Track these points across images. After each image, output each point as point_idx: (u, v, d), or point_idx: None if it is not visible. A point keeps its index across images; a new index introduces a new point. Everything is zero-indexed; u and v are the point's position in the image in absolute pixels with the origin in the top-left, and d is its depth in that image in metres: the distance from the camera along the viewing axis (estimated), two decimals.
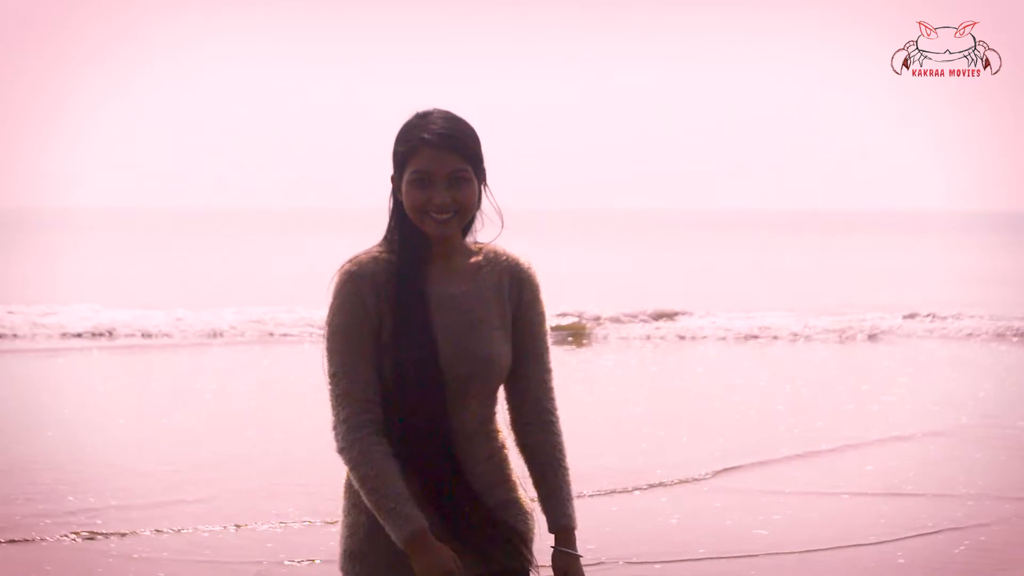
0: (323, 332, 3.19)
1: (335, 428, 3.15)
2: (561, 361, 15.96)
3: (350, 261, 3.21)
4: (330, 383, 3.17)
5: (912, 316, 21.83)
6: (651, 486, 8.80)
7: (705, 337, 19.54)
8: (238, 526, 7.82)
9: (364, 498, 3.14)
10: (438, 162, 3.20)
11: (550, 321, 3.36)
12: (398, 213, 3.25)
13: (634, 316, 20.62)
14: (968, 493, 8.80)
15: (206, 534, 7.69)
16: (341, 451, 3.15)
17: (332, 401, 3.16)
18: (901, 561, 7.28)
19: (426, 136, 3.20)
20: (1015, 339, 19.86)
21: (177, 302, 22.37)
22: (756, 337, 19.52)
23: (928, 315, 21.53)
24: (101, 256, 45.32)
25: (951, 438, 10.90)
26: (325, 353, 3.18)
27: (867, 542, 7.62)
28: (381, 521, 3.12)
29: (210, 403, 12.70)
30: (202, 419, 11.70)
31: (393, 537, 3.11)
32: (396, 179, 3.25)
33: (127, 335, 18.75)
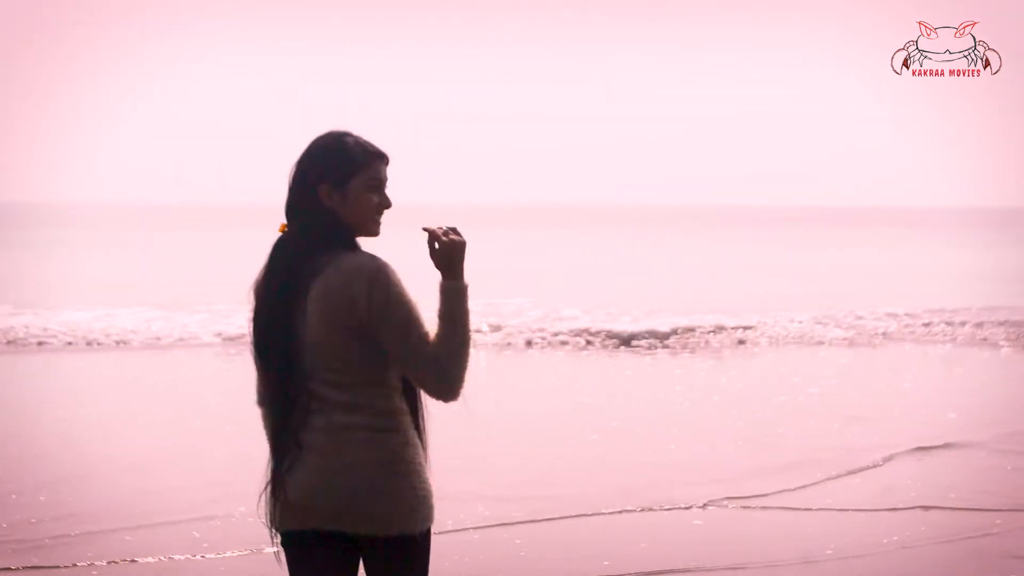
0: (401, 298, 3.54)
1: (454, 373, 3.54)
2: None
3: (379, 258, 3.62)
4: (421, 340, 3.53)
5: (912, 316, 21.76)
6: (644, 509, 8.61)
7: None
8: (218, 555, 7.48)
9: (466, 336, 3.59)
10: (384, 173, 3.74)
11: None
12: (336, 219, 3.65)
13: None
14: (971, 504, 8.71)
15: (177, 562, 7.40)
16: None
17: (428, 354, 3.53)
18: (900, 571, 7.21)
19: (374, 151, 3.72)
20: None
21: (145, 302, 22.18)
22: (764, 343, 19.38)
23: (937, 322, 21.33)
24: (92, 254, 45.12)
25: (943, 451, 10.77)
26: (409, 313, 3.54)
27: (863, 553, 7.53)
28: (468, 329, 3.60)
29: (175, 416, 12.24)
30: (168, 435, 11.21)
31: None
32: (334, 189, 3.66)
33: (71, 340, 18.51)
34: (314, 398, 3.60)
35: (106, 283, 30.01)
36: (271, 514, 3.68)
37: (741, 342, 19.14)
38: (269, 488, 3.67)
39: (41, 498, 8.67)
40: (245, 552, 7.40)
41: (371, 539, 3.61)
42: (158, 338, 18.70)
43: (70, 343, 18.06)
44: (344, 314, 3.54)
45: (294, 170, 3.69)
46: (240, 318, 19.56)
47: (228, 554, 7.41)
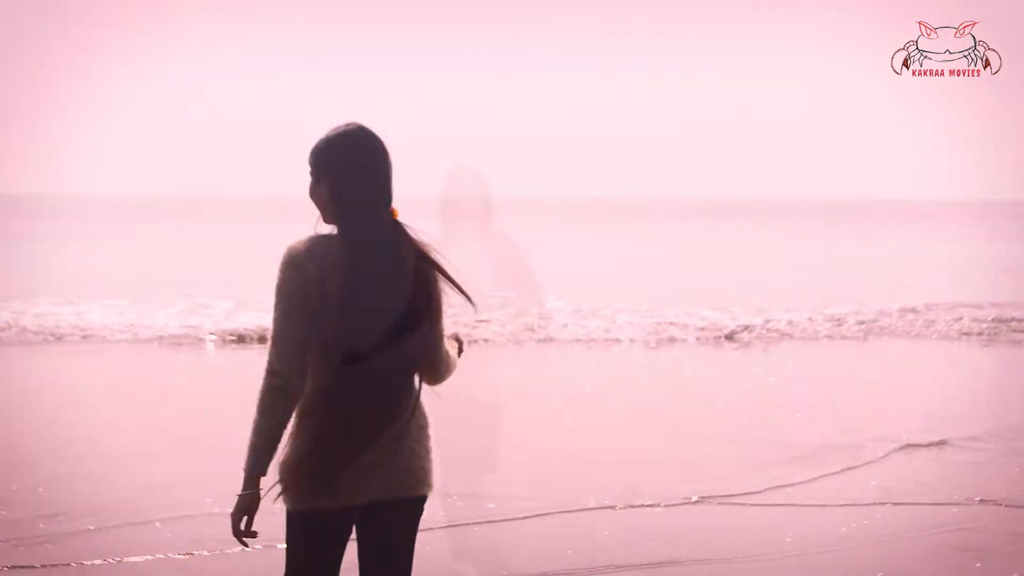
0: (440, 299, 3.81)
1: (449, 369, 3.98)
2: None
3: None
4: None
5: (908, 310, 21.74)
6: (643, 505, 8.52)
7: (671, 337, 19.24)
8: (190, 554, 7.29)
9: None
10: None
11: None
12: None
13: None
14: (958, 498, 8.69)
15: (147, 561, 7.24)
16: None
17: (447, 351, 3.95)
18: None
19: None
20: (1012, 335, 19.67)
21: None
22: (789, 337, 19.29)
23: (927, 318, 21.27)
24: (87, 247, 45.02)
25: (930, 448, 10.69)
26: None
27: (828, 548, 7.49)
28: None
29: (153, 413, 12.00)
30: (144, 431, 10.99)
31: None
32: None
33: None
34: (381, 380, 3.70)
35: (89, 276, 29.86)
36: (301, 491, 3.67)
37: (728, 337, 18.95)
38: (311, 466, 3.66)
39: (13, 487, 8.55)
40: (217, 552, 7.27)
41: (399, 502, 3.77)
42: (126, 332, 18.27)
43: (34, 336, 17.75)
44: (437, 300, 3.80)
45: (384, 162, 3.83)
46: (214, 311, 19.46)
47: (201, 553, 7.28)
